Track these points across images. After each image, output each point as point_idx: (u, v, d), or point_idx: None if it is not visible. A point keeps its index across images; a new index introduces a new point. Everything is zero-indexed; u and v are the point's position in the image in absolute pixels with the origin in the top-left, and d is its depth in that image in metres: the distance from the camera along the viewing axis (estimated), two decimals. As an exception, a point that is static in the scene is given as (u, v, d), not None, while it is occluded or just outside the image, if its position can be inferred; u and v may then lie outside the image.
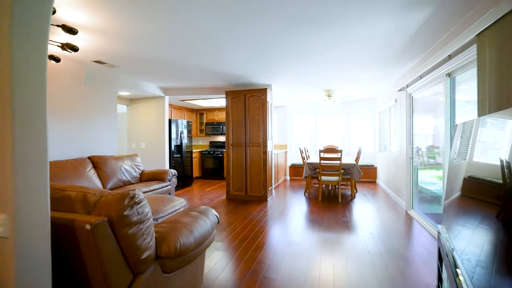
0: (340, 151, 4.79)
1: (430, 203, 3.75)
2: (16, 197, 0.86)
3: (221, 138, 8.18)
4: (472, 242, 1.20)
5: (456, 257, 1.29)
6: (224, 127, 7.87)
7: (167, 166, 5.69)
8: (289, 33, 2.71)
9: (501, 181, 1.04)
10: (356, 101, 7.40)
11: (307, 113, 7.95)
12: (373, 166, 6.98)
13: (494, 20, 1.76)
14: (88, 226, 1.04)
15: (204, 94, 5.52)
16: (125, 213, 1.16)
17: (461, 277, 1.15)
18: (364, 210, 4.26)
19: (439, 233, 1.69)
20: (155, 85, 5.28)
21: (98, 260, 1.10)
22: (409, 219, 3.74)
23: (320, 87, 5.47)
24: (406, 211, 4.14)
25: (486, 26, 1.84)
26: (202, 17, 2.33)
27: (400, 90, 4.24)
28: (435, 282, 2.07)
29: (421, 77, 3.40)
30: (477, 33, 1.96)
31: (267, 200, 4.94)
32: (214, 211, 1.95)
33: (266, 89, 4.87)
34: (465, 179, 1.46)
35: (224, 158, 7.47)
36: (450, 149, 1.91)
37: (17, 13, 0.84)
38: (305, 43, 2.97)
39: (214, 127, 7.98)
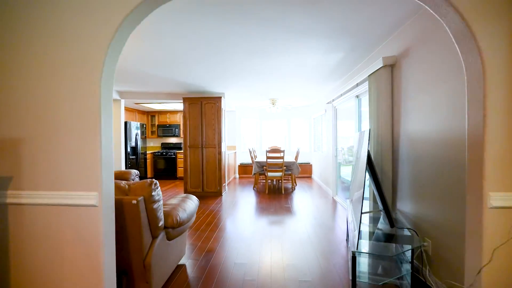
0: (283, 151, 5.79)
1: (347, 190, 5.00)
2: (102, 183, 1.39)
3: (173, 140, 8.48)
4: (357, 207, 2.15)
5: (348, 215, 2.24)
6: (176, 129, 8.20)
7: (123, 167, 5.84)
8: (244, 60, 3.47)
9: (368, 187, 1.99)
10: (295, 108, 8.62)
11: (254, 117, 8.86)
12: (309, 163, 8.30)
13: (374, 70, 2.85)
14: (134, 201, 1.58)
15: (162, 99, 5.88)
16: (152, 193, 1.74)
17: (350, 225, 2.08)
18: (302, 198, 5.31)
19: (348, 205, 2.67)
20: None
21: (137, 225, 1.66)
22: (334, 203, 4.91)
23: (266, 96, 6.40)
24: (332, 197, 5.34)
25: (372, 71, 2.92)
26: (169, 40, 2.88)
27: (328, 103, 5.44)
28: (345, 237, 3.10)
29: (341, 95, 4.57)
30: (368, 74, 3.05)
31: (222, 195, 5.61)
32: (195, 197, 2.58)
33: (221, 97, 5.54)
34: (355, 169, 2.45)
35: (177, 159, 7.83)
36: (336, 151, 2.96)
37: (105, 71, 1.39)
38: (256, 66, 3.78)
39: (165, 129, 8.22)
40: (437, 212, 2.00)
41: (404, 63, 2.52)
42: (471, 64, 1.35)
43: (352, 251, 1.76)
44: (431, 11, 1.45)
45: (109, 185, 1.46)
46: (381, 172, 2.76)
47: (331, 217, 4.03)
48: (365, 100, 3.90)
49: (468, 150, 1.40)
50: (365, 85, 3.49)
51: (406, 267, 2.10)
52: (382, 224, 2.36)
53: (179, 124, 8.21)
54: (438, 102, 2.00)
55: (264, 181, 6.83)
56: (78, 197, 1.39)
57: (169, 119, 8.26)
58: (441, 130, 1.95)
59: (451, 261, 1.82)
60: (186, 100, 5.60)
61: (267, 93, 6.03)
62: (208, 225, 3.63)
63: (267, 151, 5.95)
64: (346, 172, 5.20)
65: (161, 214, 1.87)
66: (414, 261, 2.16)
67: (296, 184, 6.69)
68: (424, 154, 2.19)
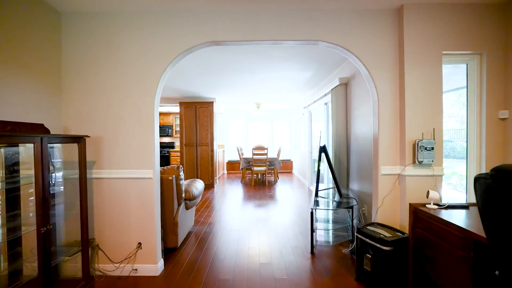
0: (267, 149, 6.75)
1: (322, 181, 6.06)
2: (154, 163, 2.27)
3: (166, 139, 9.22)
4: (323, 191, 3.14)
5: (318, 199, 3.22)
6: (169, 130, 8.98)
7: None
8: (234, 75, 4.41)
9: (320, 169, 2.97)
10: (278, 111, 9.63)
11: (241, 119, 9.78)
12: (290, 160, 9.33)
13: (334, 86, 3.87)
14: (170, 178, 2.47)
15: (160, 103, 6.66)
16: (179, 174, 2.64)
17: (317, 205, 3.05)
18: (283, 189, 6.31)
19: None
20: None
21: (170, 194, 2.54)
22: (309, 191, 5.94)
23: (252, 100, 7.34)
24: (308, 187, 6.38)
25: (333, 87, 3.94)
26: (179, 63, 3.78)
27: (305, 107, 6.47)
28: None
29: (315, 101, 5.60)
30: (331, 88, 4.07)
31: (214, 187, 6.49)
32: (201, 180, 3.48)
33: (213, 102, 6.42)
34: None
35: (170, 157, 8.61)
36: (311, 150, 3.98)
37: (156, 94, 2.28)
38: (244, 79, 4.72)
39: (159, 130, 8.96)
40: (370, 186, 3.03)
41: (353, 83, 3.55)
42: (373, 94, 2.36)
43: (311, 208, 2.73)
44: (353, 63, 2.45)
45: (157, 166, 2.35)
46: (339, 162, 3.78)
47: (306, 201, 5.04)
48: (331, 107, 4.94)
49: (373, 144, 2.41)
50: (330, 96, 4.51)
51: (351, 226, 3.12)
52: (336, 197, 3.37)
53: (172, 125, 8.98)
54: (368, 112, 3.03)
55: (250, 175, 7.76)
56: (140, 172, 2.26)
57: (163, 120, 9.00)
58: (370, 132, 2.98)
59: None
60: (182, 104, 6.43)
61: (253, 99, 6.97)
62: (207, 208, 4.53)
63: (253, 149, 6.90)
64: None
65: (183, 189, 2.77)
66: (355, 220, 3.19)
67: (278, 178, 7.68)
68: (363, 148, 3.22)
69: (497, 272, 1.08)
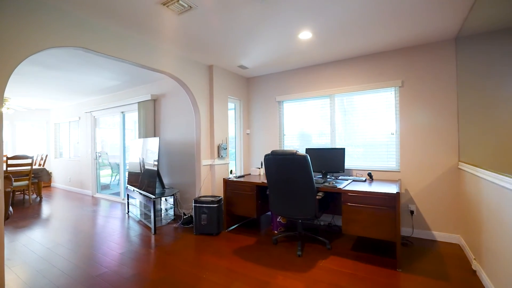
0: (31, 157, 5.63)
1: (107, 188, 6.27)
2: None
3: None
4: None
5: (134, 195, 3.94)
6: None
7: None
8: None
9: (139, 171, 3.84)
10: (33, 111, 7.77)
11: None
12: (49, 171, 7.94)
13: (145, 99, 4.73)
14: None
15: None
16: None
17: (136, 197, 3.80)
18: (61, 204, 5.68)
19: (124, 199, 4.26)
20: None
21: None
22: (96, 199, 5.92)
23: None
24: (92, 195, 6.24)
25: (142, 100, 4.76)
26: None
27: (88, 112, 6.27)
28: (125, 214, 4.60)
29: (105, 109, 5.80)
30: (139, 101, 4.84)
31: None
32: None
33: None
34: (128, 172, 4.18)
35: None
36: (124, 155, 4.60)
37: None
38: (33, 71, 4.09)
39: None
40: (181, 178, 4.34)
41: (163, 100, 4.67)
42: (196, 112, 3.75)
43: (153, 198, 3.53)
44: (184, 90, 3.70)
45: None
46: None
47: (98, 207, 5.19)
48: (129, 116, 5.58)
49: (196, 146, 3.79)
50: (133, 106, 5.21)
51: (171, 210, 4.21)
52: (159, 189, 4.30)
53: None
54: (179, 124, 4.35)
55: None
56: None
57: None
58: (181, 138, 4.32)
59: (187, 196, 4.21)
60: None
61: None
62: None
63: (8, 158, 5.43)
64: (102, 174, 6.41)
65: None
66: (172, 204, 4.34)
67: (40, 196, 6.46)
68: (174, 151, 4.46)
69: (267, 192, 2.94)
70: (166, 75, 3.37)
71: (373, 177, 3.46)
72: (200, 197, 3.55)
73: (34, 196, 6.41)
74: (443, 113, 3.07)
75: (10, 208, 2.52)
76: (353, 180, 3.22)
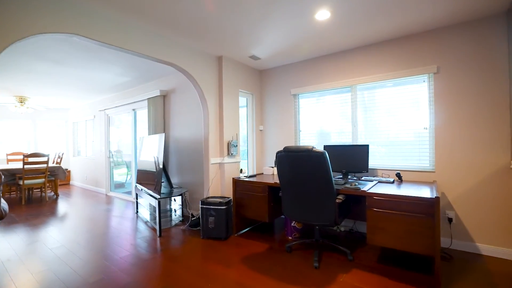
0: (47, 156, 5.68)
1: (121, 187, 6.22)
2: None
3: None
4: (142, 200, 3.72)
5: (142, 194, 3.75)
6: None
7: None
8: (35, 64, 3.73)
9: (154, 170, 3.64)
10: (50, 110, 7.97)
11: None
12: (67, 169, 8.09)
13: (154, 95, 4.56)
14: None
15: None
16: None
17: (144, 197, 3.60)
18: (72, 203, 5.68)
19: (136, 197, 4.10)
20: None
21: None
22: (109, 197, 5.87)
23: (18, 92, 5.78)
24: (106, 194, 6.21)
25: (151, 96, 4.60)
26: None
27: (101, 110, 6.25)
28: (134, 215, 4.46)
29: (117, 106, 5.73)
30: (148, 97, 4.69)
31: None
32: None
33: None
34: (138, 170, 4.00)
35: None
36: (135, 153, 4.44)
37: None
38: (48, 70, 4.04)
39: None
40: (190, 177, 4.11)
41: (172, 96, 4.47)
42: (204, 107, 3.50)
43: (157, 199, 3.32)
44: (193, 87, 3.46)
45: None
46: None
47: (110, 205, 5.10)
48: (141, 113, 5.47)
49: (204, 143, 3.54)
50: (143, 103, 5.07)
51: (179, 209, 4.00)
52: (167, 189, 4.11)
53: None
54: (189, 121, 4.13)
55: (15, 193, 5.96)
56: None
57: None
58: (191, 135, 4.09)
59: (196, 196, 3.97)
60: None
61: (18, 90, 5.52)
62: None
63: (26, 156, 5.50)
64: (118, 172, 6.36)
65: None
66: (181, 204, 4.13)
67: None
68: (183, 148, 4.24)
69: (280, 194, 2.62)
70: (171, 66, 3.16)
71: (403, 178, 3.03)
72: (208, 198, 3.29)
73: (51, 193, 6.50)
74: (490, 103, 2.59)
75: (4, 207, 2.39)
76: (379, 182, 2.81)
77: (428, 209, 1.98)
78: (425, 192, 2.19)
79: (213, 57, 3.56)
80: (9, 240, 3.22)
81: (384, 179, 2.87)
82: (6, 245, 3.07)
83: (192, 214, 3.82)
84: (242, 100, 4.14)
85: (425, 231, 1.98)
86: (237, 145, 3.68)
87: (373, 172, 3.25)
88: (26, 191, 6.38)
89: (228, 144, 3.60)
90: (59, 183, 7.57)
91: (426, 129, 2.95)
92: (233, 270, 2.40)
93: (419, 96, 2.99)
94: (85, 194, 6.32)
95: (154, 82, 4.87)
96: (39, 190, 6.73)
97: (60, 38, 2.89)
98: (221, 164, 3.58)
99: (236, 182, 3.29)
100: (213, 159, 3.50)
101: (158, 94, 4.51)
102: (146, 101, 4.85)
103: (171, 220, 3.95)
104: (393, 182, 2.78)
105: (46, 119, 8.08)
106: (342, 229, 3.42)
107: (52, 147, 8.25)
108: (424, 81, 2.96)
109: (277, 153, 2.51)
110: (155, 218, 3.98)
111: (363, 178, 3.04)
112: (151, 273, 2.37)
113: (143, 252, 2.83)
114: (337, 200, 2.35)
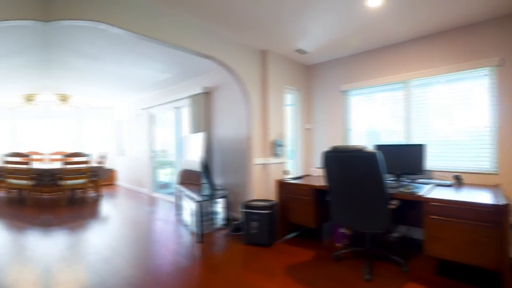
0: (87, 155, 6.60)
1: (165, 187, 6.94)
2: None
3: None
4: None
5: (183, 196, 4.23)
6: None
7: None
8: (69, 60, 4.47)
9: (195, 170, 4.08)
10: (94, 108, 9.10)
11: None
12: (112, 169, 9.20)
13: (196, 93, 5.07)
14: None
15: None
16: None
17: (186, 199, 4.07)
18: (113, 204, 6.51)
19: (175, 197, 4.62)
20: None
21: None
22: (152, 198, 6.60)
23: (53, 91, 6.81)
24: (149, 194, 6.99)
25: (194, 93, 5.12)
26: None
27: (144, 109, 7.06)
28: (174, 215, 5.02)
29: (160, 104, 6.43)
30: (190, 94, 5.22)
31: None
32: None
33: None
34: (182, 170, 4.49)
35: None
36: (177, 152, 4.99)
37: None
38: (87, 67, 4.80)
39: None
40: (235, 178, 4.51)
41: (215, 93, 4.93)
42: (247, 104, 3.85)
43: (198, 201, 3.77)
44: (235, 83, 3.83)
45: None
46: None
47: (154, 207, 5.76)
48: (184, 111, 6.06)
49: (247, 142, 3.89)
50: (186, 101, 5.63)
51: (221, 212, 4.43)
52: (209, 190, 4.57)
53: None
54: (233, 119, 4.52)
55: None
56: None
57: None
58: (234, 134, 4.49)
59: (240, 198, 4.36)
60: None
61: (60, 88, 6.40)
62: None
63: (67, 156, 6.46)
64: (164, 172, 7.11)
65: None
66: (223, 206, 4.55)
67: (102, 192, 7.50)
68: (226, 148, 4.66)
69: (328, 197, 2.83)
70: (212, 61, 3.44)
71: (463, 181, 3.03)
72: (251, 201, 3.61)
73: (94, 194, 7.19)
74: None
75: None
76: (437, 185, 2.87)
77: (494, 217, 2.03)
78: (488, 198, 2.22)
79: (257, 51, 3.89)
80: (40, 244, 3.58)
81: (442, 182, 2.94)
82: (34, 252, 3.27)
83: (234, 218, 4.19)
84: (288, 98, 4.40)
85: (491, 242, 2.04)
86: (282, 145, 3.96)
87: (428, 174, 3.28)
88: (68, 192, 7.14)
89: (273, 144, 3.90)
90: (103, 183, 8.61)
91: (487, 127, 2.95)
92: (275, 282, 2.53)
93: (478, 93, 3.02)
94: (127, 195, 7.18)
95: (196, 79, 5.40)
96: (81, 190, 7.48)
97: (93, 31, 3.14)
98: (265, 165, 3.89)
99: (281, 184, 3.57)
100: (257, 160, 3.83)
101: (200, 91, 5.01)
102: (188, 99, 5.39)
103: (213, 223, 4.39)
104: (451, 185, 2.82)
105: (90, 118, 9.23)
106: (395, 235, 3.48)
107: (97, 147, 9.42)
108: (485, 75, 2.95)
109: (325, 153, 2.71)
110: (195, 222, 4.46)
111: (417, 181, 3.10)
112: (184, 284, 2.50)
113: (180, 260, 3.06)
114: (391, 206, 2.47)
